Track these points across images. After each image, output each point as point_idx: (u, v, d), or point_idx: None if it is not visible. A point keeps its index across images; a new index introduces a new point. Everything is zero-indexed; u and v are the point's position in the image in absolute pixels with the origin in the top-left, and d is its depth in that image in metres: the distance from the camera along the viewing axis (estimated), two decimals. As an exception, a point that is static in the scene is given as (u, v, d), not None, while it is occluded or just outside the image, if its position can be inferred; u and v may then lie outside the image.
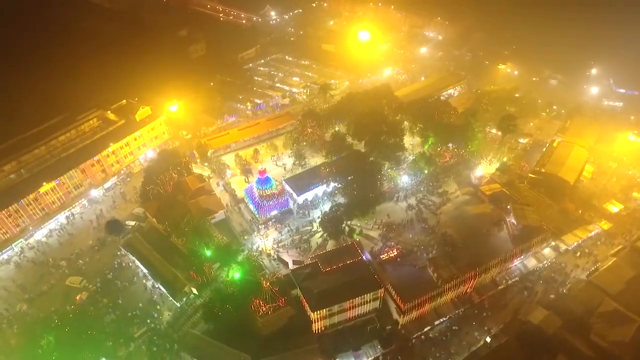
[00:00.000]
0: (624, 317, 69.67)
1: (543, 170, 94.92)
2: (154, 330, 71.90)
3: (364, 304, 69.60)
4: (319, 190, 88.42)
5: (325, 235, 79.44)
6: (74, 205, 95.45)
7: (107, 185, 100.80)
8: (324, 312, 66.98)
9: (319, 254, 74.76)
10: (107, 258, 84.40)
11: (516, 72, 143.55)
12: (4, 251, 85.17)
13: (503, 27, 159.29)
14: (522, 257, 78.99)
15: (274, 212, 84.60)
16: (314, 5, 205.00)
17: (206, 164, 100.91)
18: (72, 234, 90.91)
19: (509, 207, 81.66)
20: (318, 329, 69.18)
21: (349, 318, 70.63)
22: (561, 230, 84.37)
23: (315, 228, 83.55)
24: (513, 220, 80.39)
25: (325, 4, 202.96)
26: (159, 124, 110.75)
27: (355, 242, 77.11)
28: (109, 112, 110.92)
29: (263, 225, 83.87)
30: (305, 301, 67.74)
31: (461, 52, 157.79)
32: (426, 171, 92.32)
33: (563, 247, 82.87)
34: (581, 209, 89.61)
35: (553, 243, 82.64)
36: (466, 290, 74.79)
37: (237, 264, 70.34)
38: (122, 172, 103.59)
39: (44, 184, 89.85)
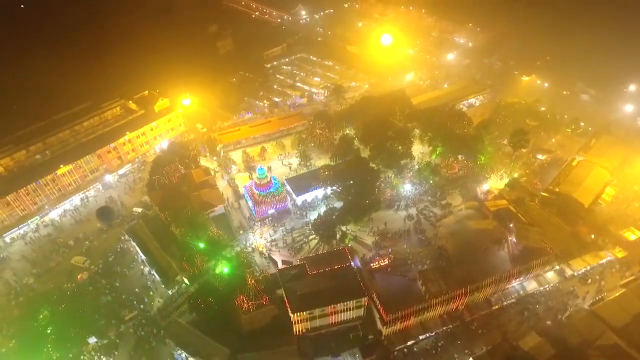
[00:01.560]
0: (624, 354, 65.45)
1: (557, 190, 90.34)
2: (144, 315, 74.63)
3: (347, 311, 69.02)
4: (319, 192, 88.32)
5: (317, 238, 79.22)
6: (88, 189, 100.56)
7: (121, 171, 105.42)
8: (304, 314, 67.03)
9: (308, 256, 74.82)
10: (112, 241, 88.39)
11: (546, 85, 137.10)
12: (20, 226, 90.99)
13: (538, 36, 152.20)
14: (522, 278, 75.71)
15: (271, 211, 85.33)
16: (346, 5, 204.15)
17: (215, 158, 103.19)
18: (84, 216, 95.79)
19: (511, 225, 78.28)
20: (299, 331, 69.31)
21: (332, 323, 70.29)
22: (570, 254, 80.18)
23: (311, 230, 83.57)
24: (515, 240, 77.02)
25: (357, 5, 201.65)
26: (176, 116, 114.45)
27: (347, 247, 76.65)
28: (130, 102, 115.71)
29: (259, 223, 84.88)
30: (287, 302, 68.05)
31: (490, 60, 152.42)
32: (431, 181, 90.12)
33: (569, 272, 78.70)
34: (594, 234, 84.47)
35: (557, 267, 78.69)
36: (457, 307, 72.66)
37: (225, 258, 71.59)
38: (136, 160, 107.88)
39: (61, 166, 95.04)
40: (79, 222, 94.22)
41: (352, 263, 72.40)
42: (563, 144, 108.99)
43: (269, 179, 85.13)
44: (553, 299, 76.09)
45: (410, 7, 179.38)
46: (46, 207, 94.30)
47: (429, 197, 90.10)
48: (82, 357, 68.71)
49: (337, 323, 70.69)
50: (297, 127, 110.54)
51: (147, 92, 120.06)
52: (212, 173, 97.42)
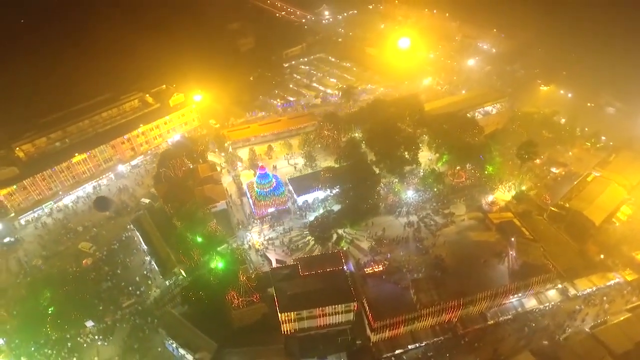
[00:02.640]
0: (622, 382, 62.55)
1: (567, 205, 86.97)
2: (141, 304, 76.80)
3: (336, 314, 68.78)
4: (321, 194, 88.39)
5: (312, 240, 79.38)
6: (101, 177, 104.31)
7: (134, 162, 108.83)
8: (292, 314, 67.30)
9: (301, 257, 75.02)
10: (118, 230, 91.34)
11: (570, 95, 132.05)
12: (35, 210, 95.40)
13: (566, 45, 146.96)
14: (520, 295, 73.38)
15: (271, 210, 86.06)
16: (370, 7, 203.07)
17: (223, 154, 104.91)
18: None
19: (512, 239, 76.00)
20: (287, 331, 69.66)
21: (320, 325, 70.22)
22: (575, 273, 77.09)
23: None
24: (514, 254, 74.76)
25: (381, 7, 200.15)
26: (189, 111, 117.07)
27: (341, 251, 76.44)
28: (147, 95, 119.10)
29: (258, 221, 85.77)
30: (276, 301, 68.52)
31: (513, 68, 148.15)
32: (435, 189, 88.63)
33: (572, 291, 75.67)
34: (604, 254, 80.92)
35: (560, 285, 75.78)
36: (450, 319, 71.19)
37: (219, 254, 72.76)
38: (149, 152, 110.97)
39: (76, 154, 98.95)
40: (90, 209, 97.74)
41: (344, 267, 72.21)
42: (581, 157, 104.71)
43: (272, 184, 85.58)
44: (553, 318, 73.37)
45: (434, 11, 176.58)
46: (60, 193, 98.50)
47: (434, 205, 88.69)
48: (79, 338, 71.24)
49: (326, 326, 70.55)
50: (306, 127, 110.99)
51: (164, 86, 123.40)
52: (219, 169, 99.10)
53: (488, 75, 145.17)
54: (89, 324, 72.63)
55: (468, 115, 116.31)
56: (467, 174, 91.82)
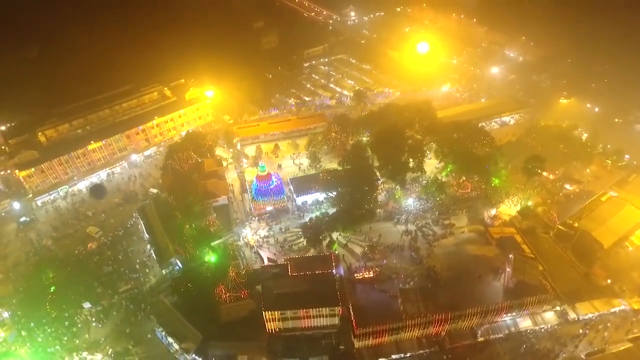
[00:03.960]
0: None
1: (575, 225, 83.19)
2: (137, 290, 79.44)
3: (320, 317, 68.69)
4: (321, 195, 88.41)
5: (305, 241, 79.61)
6: (115, 165, 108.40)
7: (147, 153, 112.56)
8: (276, 314, 67.77)
9: (292, 257, 75.40)
10: (124, 217, 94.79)
11: (597, 109, 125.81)
12: (51, 193, 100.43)
13: (597, 57, 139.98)
14: (514, 314, 70.90)
15: (269, 208, 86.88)
16: (398, 9, 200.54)
17: (231, 150, 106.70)
18: (107, 190, 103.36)
19: (510, 255, 73.44)
20: (271, 329, 70.23)
21: (305, 327, 70.32)
22: (577, 297, 73.76)
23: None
24: (510, 272, 72.29)
25: (409, 9, 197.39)
26: (204, 105, 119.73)
27: (333, 254, 76.18)
28: (166, 88, 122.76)
29: (256, 218, 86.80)
30: (261, 299, 69.20)
31: (539, 78, 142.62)
32: (438, 199, 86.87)
33: (572, 315, 72.36)
34: (612, 279, 76.94)
35: (558, 307, 72.62)
36: (437, 333, 69.73)
37: (211, 248, 74.19)
38: (162, 143, 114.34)
39: (92, 142, 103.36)
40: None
41: (334, 270, 71.92)
42: (599, 175, 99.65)
43: (266, 174, 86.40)
44: (548, 341, 70.46)
45: (462, 16, 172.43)
46: (75, 178, 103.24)
47: (435, 214, 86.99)
48: (76, 318, 74.62)
49: (311, 327, 70.64)
50: (316, 128, 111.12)
51: (183, 80, 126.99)
52: (225, 164, 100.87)
53: (511, 84, 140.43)
54: (86, 305, 75.77)
55: (482, 124, 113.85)
56: (473, 185, 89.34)
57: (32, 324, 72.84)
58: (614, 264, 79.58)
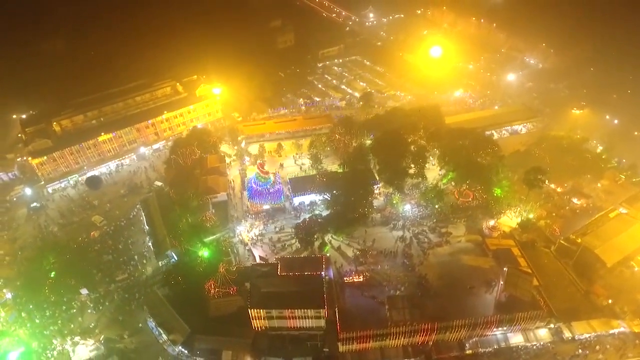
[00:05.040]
0: None
1: (579, 241, 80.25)
2: (133, 280, 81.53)
3: (306, 318, 68.79)
4: (316, 197, 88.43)
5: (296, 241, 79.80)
6: (124, 157, 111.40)
7: (155, 146, 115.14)
8: (262, 312, 68.22)
9: (283, 257, 75.76)
10: (128, 208, 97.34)
11: (616, 121, 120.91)
12: (61, 181, 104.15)
13: (623, 67, 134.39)
14: (505, 329, 69.12)
15: (266, 207, 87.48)
16: (418, 12, 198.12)
17: (235, 147, 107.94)
18: (114, 181, 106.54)
19: (505, 268, 71.51)
20: (258, 327, 70.77)
21: (291, 327, 70.53)
22: (575, 315, 71.39)
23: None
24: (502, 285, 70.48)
25: (429, 12, 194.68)
26: (214, 102, 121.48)
27: (324, 256, 76.15)
28: (178, 83, 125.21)
29: (253, 216, 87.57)
30: (249, 296, 69.82)
31: (558, 86, 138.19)
32: (437, 206, 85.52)
33: (567, 334, 69.98)
34: (613, 299, 74.02)
35: (553, 325, 70.35)
36: (424, 342, 68.71)
37: (204, 243, 75.31)
38: (171, 138, 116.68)
39: (102, 134, 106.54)
40: (109, 185, 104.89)
41: (323, 272, 71.86)
42: (610, 191, 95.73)
43: (269, 181, 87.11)
44: (539, 359, 68.42)
45: (482, 20, 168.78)
46: (85, 167, 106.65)
47: (433, 222, 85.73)
48: (73, 303, 77.23)
49: (297, 328, 70.82)
50: (322, 129, 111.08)
51: (195, 76, 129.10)
52: (228, 161, 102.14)
53: (528, 92, 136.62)
54: (84, 291, 78.34)
55: (492, 132, 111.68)
56: (474, 194, 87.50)
57: (31, 306, 75.71)
58: (617, 283, 76.48)
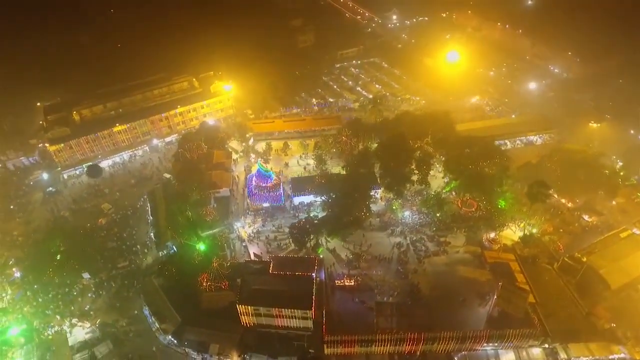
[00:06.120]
0: None
1: (584, 259, 77.02)
2: (133, 268, 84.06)
3: (293, 318, 69.18)
4: (315, 198, 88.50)
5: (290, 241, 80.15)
6: (137, 148, 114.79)
7: (168, 139, 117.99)
8: (250, 308, 69.11)
9: (276, 256, 76.38)
10: (135, 198, 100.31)
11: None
12: (76, 168, 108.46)
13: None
14: (497, 345, 67.30)
15: (266, 205, 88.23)
16: (443, 15, 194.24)
17: (243, 143, 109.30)
18: (127, 170, 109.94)
19: (500, 283, 69.52)
20: (246, 323, 71.62)
21: (279, 325, 71.03)
22: (573, 336, 68.88)
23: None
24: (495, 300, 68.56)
25: (454, 16, 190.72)
26: (226, 98, 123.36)
27: (317, 258, 76.24)
28: (195, 79, 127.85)
29: (252, 213, 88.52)
30: (238, 292, 70.74)
31: (582, 97, 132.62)
32: (438, 214, 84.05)
33: (563, 355, 67.53)
34: (616, 322, 70.79)
35: (548, 345, 67.95)
36: (412, 352, 67.72)
37: (200, 237, 76.73)
38: (183, 132, 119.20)
39: (117, 124, 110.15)
40: (120, 174, 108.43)
41: (314, 274, 71.99)
42: (626, 209, 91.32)
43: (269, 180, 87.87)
44: (530, 378, 66.33)
45: (507, 26, 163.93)
46: (99, 156, 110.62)
47: (433, 230, 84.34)
48: (75, 286, 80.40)
49: (285, 327, 71.28)
50: (330, 130, 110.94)
51: (212, 72, 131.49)
52: (235, 157, 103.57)
53: (549, 101, 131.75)
54: (86, 276, 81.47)
55: (506, 142, 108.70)
56: (478, 204, 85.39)
57: (36, 286, 79.28)
58: (622, 307, 73.05)
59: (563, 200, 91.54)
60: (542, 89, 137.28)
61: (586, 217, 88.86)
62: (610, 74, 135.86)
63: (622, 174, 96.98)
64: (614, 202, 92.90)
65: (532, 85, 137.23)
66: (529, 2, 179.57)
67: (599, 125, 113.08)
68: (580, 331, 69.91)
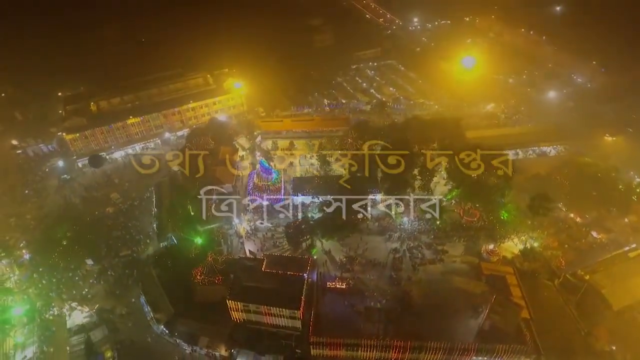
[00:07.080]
0: None
1: (586, 277, 74.37)
2: (134, 257, 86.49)
3: (281, 317, 69.61)
4: (314, 199, 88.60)
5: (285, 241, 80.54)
6: (150, 140, 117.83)
7: (180, 133, 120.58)
8: (239, 304, 69.90)
9: (270, 254, 76.99)
10: (143, 189, 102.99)
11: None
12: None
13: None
14: (486, 359, 65.80)
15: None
16: (467, 19, 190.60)
17: (251, 141, 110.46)
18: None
19: (494, 296, 67.84)
20: (236, 318, 72.52)
21: (269, 323, 71.59)
22: (568, 356, 67.02)
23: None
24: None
25: (477, 20, 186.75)
26: (238, 95, 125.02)
27: (311, 258, 76.37)
28: (209, 75, 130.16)
29: (252, 210, 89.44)
30: (230, 287, 71.69)
31: (604, 108, 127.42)
32: (438, 222, 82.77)
33: (556, 375, 65.51)
34: (617, 345, 68.16)
35: (539, 364, 65.95)
36: (398, 359, 67.13)
37: (195, 231, 78.15)
38: (194, 126, 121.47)
39: (131, 117, 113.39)
40: (131, 165, 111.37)
41: (306, 274, 72.21)
42: (638, 228, 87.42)
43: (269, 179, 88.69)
44: (519, 396, 64.52)
45: (531, 32, 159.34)
46: (112, 147, 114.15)
47: (431, 237, 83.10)
48: (78, 271, 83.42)
49: (274, 325, 71.81)
50: (338, 131, 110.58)
51: (227, 69, 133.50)
52: (242, 154, 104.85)
53: (568, 112, 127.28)
54: (89, 262, 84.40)
55: (517, 152, 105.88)
56: (480, 214, 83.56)
57: (41, 269, 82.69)
58: (624, 329, 70.14)
59: (572, 215, 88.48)
60: (561, 98, 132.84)
61: (595, 234, 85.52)
62: (635, 86, 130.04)
63: (638, 190, 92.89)
64: (626, 220, 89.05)
65: (552, 94, 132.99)
66: (557, 9, 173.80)
67: (614, 138, 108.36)
68: (577, 351, 67.84)
